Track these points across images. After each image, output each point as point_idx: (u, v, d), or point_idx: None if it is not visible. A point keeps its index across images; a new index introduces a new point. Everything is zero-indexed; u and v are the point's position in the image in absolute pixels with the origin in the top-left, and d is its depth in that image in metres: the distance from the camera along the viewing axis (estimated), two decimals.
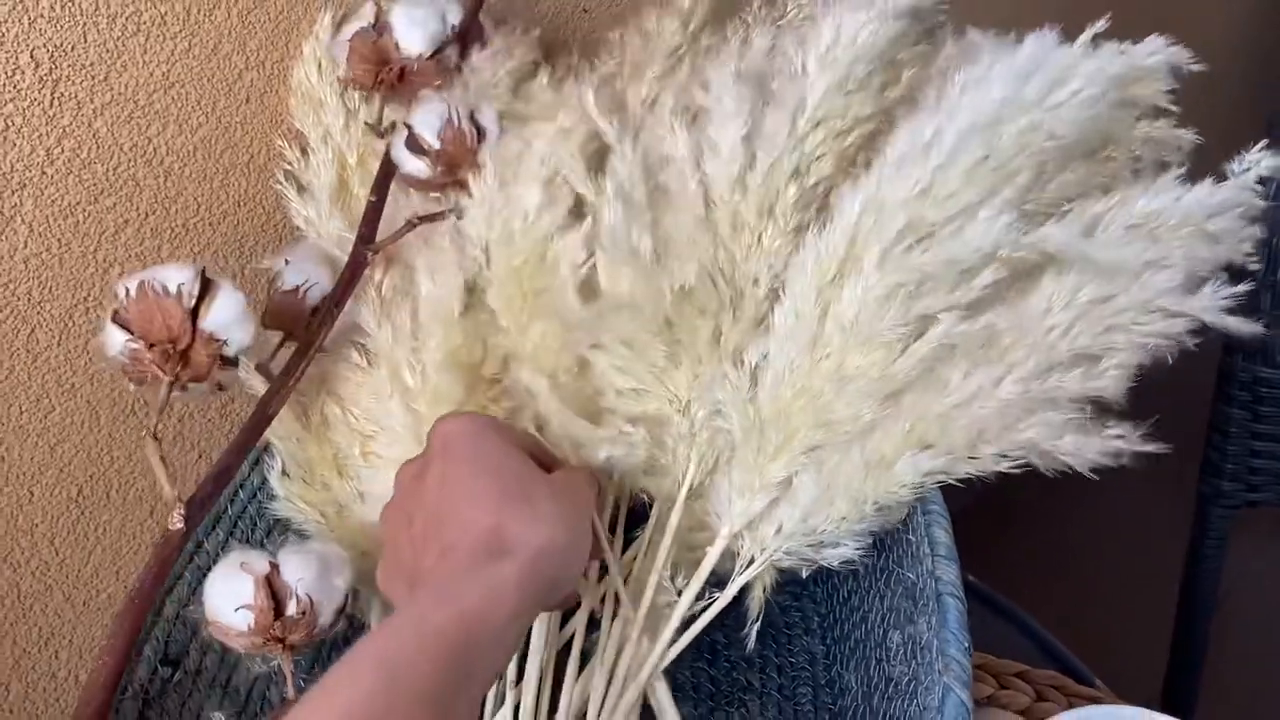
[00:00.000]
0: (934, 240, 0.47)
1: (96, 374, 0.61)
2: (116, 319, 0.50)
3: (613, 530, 0.59)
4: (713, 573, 0.54)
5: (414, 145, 0.59)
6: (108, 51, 0.57)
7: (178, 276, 0.50)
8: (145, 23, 0.57)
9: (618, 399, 0.55)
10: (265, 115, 0.65)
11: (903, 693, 0.48)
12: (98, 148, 0.58)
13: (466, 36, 0.62)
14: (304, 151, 0.65)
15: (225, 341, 0.51)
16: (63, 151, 0.57)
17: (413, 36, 0.59)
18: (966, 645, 0.43)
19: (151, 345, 0.50)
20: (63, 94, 0.56)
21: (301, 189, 0.64)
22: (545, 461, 0.51)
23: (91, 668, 0.45)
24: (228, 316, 0.51)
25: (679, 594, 0.54)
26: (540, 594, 0.44)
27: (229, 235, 0.66)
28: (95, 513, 0.64)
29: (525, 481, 0.47)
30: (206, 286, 0.51)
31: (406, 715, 0.36)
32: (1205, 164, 0.53)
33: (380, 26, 0.60)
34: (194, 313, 0.50)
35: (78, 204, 0.58)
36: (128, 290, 0.50)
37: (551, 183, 0.57)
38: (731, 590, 0.53)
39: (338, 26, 0.63)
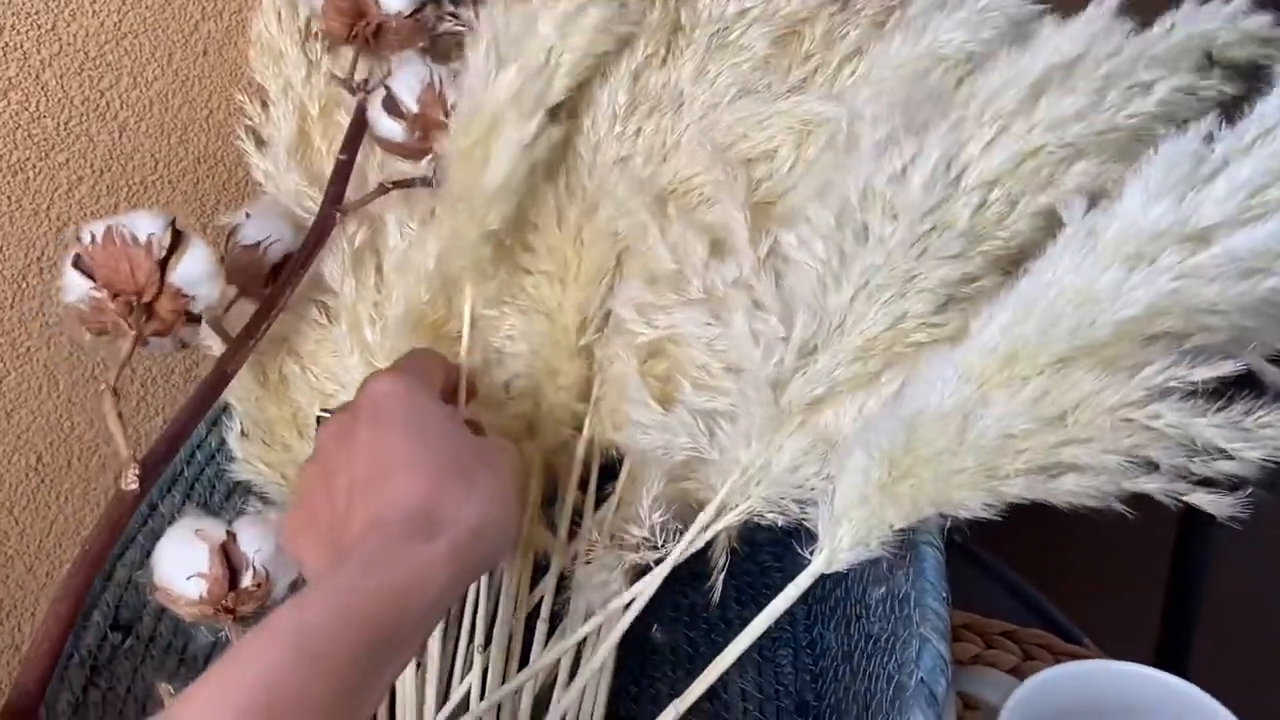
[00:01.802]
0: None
1: (53, 338, 0.60)
2: (79, 264, 0.48)
3: (584, 488, 0.57)
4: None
5: (391, 107, 0.57)
6: None
7: (148, 226, 0.48)
8: None
9: None
10: (224, 68, 0.63)
11: (883, 649, 0.47)
12: (47, 100, 0.56)
13: None
14: (264, 105, 0.63)
15: (193, 297, 0.49)
16: (9, 105, 0.54)
17: None
18: (944, 595, 0.42)
19: (115, 295, 0.48)
20: (7, 44, 0.53)
21: (262, 143, 0.63)
22: (456, 394, 0.49)
23: (35, 632, 0.43)
24: (198, 272, 0.49)
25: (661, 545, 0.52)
26: (471, 572, 0.42)
27: (189, 192, 0.64)
28: (56, 481, 0.63)
29: (462, 454, 0.44)
30: (177, 239, 0.49)
31: (323, 690, 0.34)
32: None
33: None
34: (162, 265, 0.49)
35: (27, 160, 0.56)
36: (93, 235, 0.48)
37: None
38: (701, 535, 0.51)
39: None
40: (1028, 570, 0.74)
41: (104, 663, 0.50)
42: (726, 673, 0.51)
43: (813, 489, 0.49)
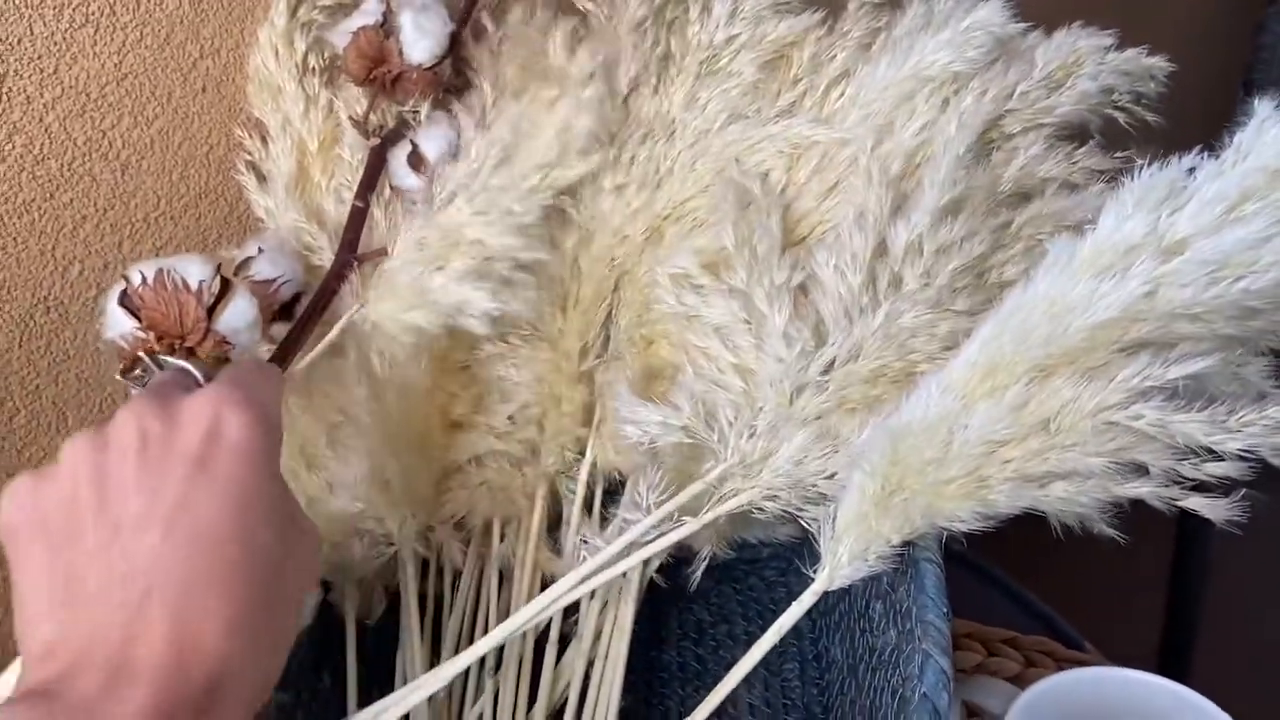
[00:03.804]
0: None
1: (61, 375, 0.60)
2: (125, 303, 0.49)
3: (588, 510, 0.58)
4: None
5: (416, 163, 0.59)
6: (56, 44, 0.55)
7: (199, 272, 0.49)
8: (94, 12, 0.56)
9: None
10: (223, 104, 0.64)
11: (886, 662, 0.48)
12: (50, 143, 0.57)
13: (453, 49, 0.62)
14: (264, 140, 0.64)
15: (233, 345, 0.50)
16: (14, 148, 0.55)
17: (419, 46, 0.59)
18: (945, 611, 0.43)
19: (160, 337, 0.49)
20: (11, 89, 0.54)
21: (262, 179, 0.63)
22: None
23: None
24: (242, 320, 0.50)
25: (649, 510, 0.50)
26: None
27: (191, 228, 0.65)
28: None
29: (269, 585, 0.34)
30: (224, 287, 0.50)
31: None
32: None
33: (389, 28, 0.59)
34: (209, 311, 0.49)
35: (32, 201, 0.57)
36: (144, 277, 0.49)
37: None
38: (701, 518, 0.50)
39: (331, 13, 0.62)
40: (1029, 578, 0.74)
41: None
42: (736, 687, 0.51)
43: (814, 485, 0.49)
